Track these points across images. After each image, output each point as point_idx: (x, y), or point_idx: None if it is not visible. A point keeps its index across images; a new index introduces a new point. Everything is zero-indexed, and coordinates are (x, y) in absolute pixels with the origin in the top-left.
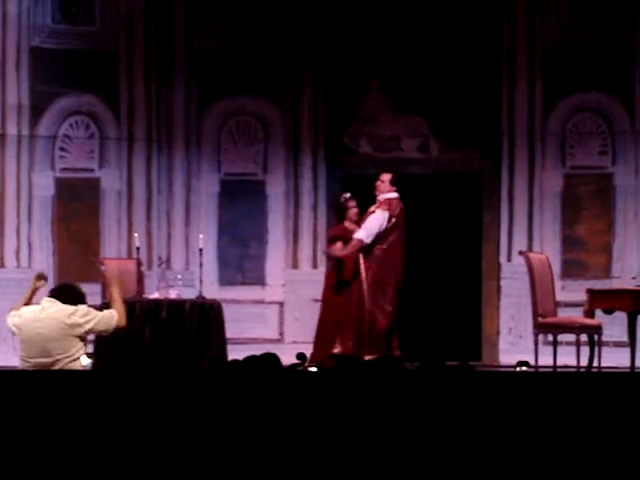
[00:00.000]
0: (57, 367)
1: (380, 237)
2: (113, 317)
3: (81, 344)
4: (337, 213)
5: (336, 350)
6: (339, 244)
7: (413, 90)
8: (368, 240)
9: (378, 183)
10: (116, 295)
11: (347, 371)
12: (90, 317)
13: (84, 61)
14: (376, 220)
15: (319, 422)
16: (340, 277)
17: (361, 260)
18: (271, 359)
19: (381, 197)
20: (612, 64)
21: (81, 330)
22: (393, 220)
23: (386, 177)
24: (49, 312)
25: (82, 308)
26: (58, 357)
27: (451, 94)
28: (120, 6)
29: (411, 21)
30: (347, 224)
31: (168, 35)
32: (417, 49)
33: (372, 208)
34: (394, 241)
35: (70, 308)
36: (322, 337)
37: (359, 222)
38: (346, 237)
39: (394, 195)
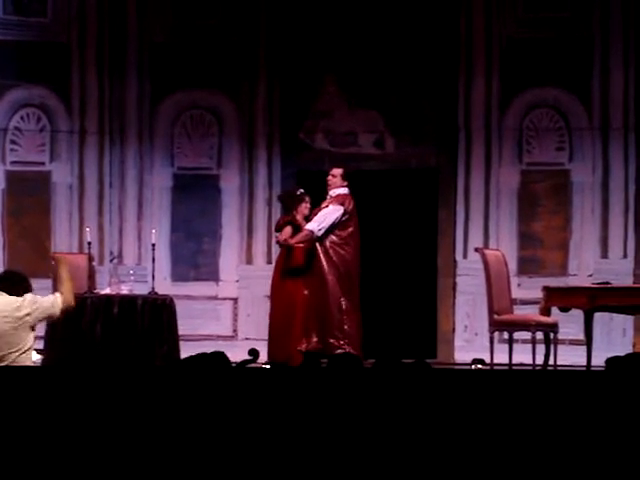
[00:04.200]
0: (6, 362)
1: (335, 232)
2: (56, 300)
3: (31, 334)
4: (286, 204)
5: (302, 347)
6: (288, 228)
7: (369, 85)
8: (319, 233)
9: (329, 177)
10: (64, 275)
11: (300, 368)
12: (37, 305)
13: (35, 53)
14: (329, 214)
15: (270, 420)
16: (288, 266)
17: (320, 254)
18: (219, 358)
19: (332, 192)
20: (570, 60)
21: (30, 320)
22: (347, 216)
23: (337, 172)
24: None
25: (29, 297)
26: (7, 352)
27: (407, 89)
28: None
29: (367, 15)
30: (298, 217)
31: (121, 27)
32: (373, 43)
33: (324, 204)
34: (349, 237)
35: (17, 300)
36: (283, 332)
37: (309, 218)
38: (295, 224)
39: (345, 191)
